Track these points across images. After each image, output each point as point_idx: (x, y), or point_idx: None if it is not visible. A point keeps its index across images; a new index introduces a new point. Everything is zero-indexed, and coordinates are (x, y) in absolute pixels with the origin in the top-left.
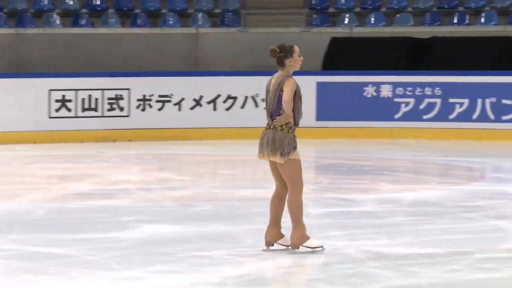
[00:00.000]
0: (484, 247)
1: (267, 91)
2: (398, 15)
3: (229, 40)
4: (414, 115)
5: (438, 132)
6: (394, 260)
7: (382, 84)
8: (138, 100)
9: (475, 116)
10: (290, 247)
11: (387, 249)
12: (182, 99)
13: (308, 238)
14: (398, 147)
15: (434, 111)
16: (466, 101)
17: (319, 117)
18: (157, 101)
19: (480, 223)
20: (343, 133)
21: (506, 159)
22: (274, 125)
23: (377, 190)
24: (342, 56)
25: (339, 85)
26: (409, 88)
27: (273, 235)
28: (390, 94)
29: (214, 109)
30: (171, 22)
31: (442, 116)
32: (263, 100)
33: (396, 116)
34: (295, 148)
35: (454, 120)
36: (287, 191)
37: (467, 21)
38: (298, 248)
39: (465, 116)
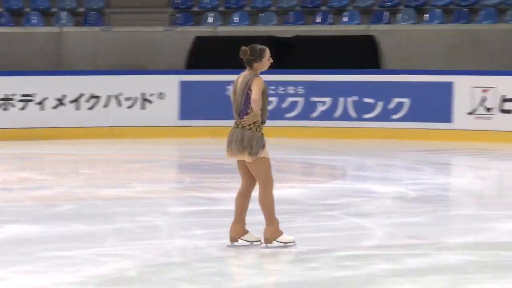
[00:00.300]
0: (345, 245)
1: (234, 90)
2: (262, 14)
3: (92, 39)
4: (276, 113)
5: (300, 130)
6: (255, 258)
7: None
8: (0, 99)
9: (337, 114)
10: (255, 243)
11: (248, 247)
12: (45, 99)
13: (281, 233)
14: None
15: (297, 109)
16: (328, 100)
17: (182, 116)
18: (20, 101)
19: (341, 221)
20: (206, 132)
21: (367, 157)
22: (242, 124)
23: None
24: (206, 55)
25: (202, 84)
26: (272, 87)
27: (237, 231)
28: None
29: (77, 108)
30: (34, 21)
31: (305, 114)
32: (126, 99)
33: None
34: (263, 146)
35: (316, 118)
36: (252, 188)
37: (330, 20)
38: (271, 243)
39: (327, 115)
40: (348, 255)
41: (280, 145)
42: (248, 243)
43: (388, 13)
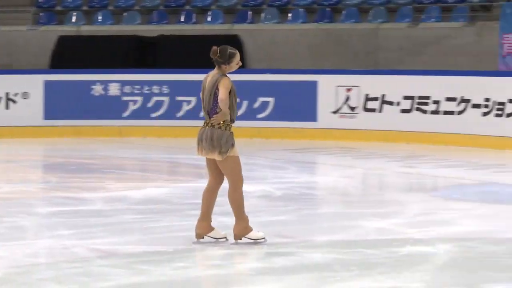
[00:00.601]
0: (211, 244)
1: (203, 88)
2: (125, 14)
3: None
4: (142, 113)
5: (165, 130)
6: (123, 258)
7: (110, 82)
8: None
9: (202, 114)
10: (221, 240)
11: (116, 247)
12: None
13: (251, 229)
14: (126, 145)
15: (162, 109)
16: (193, 99)
17: (47, 116)
18: None
19: None
20: (71, 131)
21: None
22: (212, 123)
23: (105, 188)
24: (70, 54)
25: (67, 84)
26: (137, 87)
27: (203, 228)
28: (118, 93)
29: None
30: None
31: (170, 114)
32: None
33: (124, 115)
34: (233, 145)
35: (181, 118)
36: (219, 186)
37: (194, 20)
38: (241, 239)
39: (192, 114)
40: (215, 254)
41: (146, 144)
42: (214, 240)
43: (252, 12)
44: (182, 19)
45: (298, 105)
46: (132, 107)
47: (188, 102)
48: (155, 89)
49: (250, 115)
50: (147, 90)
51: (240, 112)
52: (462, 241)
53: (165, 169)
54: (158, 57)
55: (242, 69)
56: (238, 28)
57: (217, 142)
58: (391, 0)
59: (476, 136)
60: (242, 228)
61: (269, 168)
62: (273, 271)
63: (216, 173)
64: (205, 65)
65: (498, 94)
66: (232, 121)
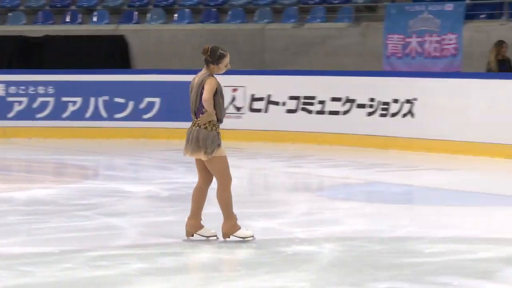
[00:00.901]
0: (98, 245)
1: (191, 89)
2: (10, 14)
3: None
4: (27, 114)
5: (51, 131)
6: (7, 259)
7: None
8: None
9: (88, 114)
10: (210, 238)
11: (0, 249)
12: None
13: (239, 228)
14: (11, 146)
15: (47, 110)
16: (79, 100)
17: None
18: None
19: (93, 221)
20: None
21: (119, 157)
22: (198, 124)
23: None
24: None
25: None
26: (22, 87)
27: (192, 226)
28: (3, 93)
29: None
30: None
31: (55, 115)
32: None
33: (9, 115)
34: (219, 145)
35: (67, 118)
36: (209, 185)
37: (79, 20)
38: (229, 237)
39: (78, 115)
40: (101, 255)
41: (31, 145)
42: (204, 237)
43: (137, 13)
44: (68, 19)
45: (185, 105)
46: (17, 108)
47: (74, 102)
48: (41, 89)
49: (136, 115)
50: (32, 90)
51: (126, 113)
52: (347, 240)
53: (51, 170)
54: (44, 57)
55: (128, 69)
56: (124, 29)
57: (203, 142)
58: (276, 0)
59: (361, 136)
60: (230, 227)
61: (156, 168)
62: (160, 272)
63: (205, 173)
64: (91, 65)
65: (383, 94)
66: (219, 121)
